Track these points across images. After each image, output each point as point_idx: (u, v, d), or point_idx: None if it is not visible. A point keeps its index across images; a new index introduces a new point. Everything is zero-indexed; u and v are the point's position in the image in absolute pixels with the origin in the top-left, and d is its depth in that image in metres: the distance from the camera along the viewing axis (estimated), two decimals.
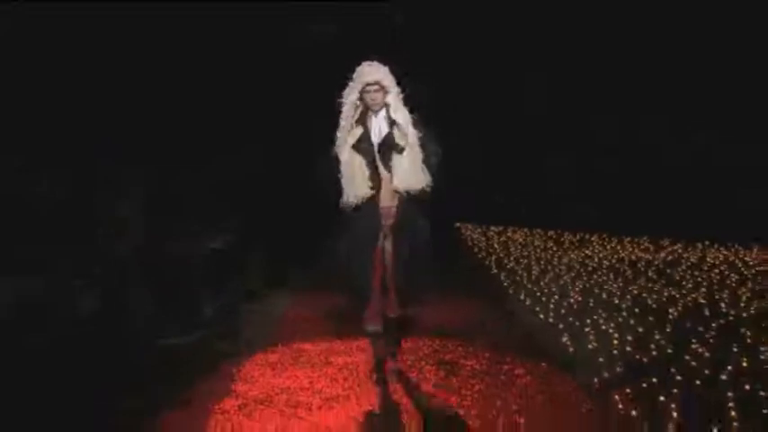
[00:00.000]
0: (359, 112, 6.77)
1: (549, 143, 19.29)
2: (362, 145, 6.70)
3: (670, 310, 9.50)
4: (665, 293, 10.57)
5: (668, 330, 8.57)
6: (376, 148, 6.72)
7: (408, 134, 6.59)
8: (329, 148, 6.84)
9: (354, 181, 6.63)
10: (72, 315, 6.08)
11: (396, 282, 6.86)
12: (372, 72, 6.63)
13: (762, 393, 6.53)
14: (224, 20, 15.51)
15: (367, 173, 6.65)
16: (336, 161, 6.73)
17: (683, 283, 11.34)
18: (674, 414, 6.05)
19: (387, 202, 6.75)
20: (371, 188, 6.63)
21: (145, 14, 13.60)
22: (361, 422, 5.96)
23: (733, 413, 6.08)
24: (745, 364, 7.31)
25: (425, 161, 6.68)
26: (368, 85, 6.60)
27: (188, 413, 6.18)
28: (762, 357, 7.52)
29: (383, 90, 6.64)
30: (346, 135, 6.72)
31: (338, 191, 6.71)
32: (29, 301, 6.11)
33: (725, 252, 14.20)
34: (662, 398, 6.44)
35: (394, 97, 6.64)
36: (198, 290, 8.72)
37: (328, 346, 7.90)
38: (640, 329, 8.62)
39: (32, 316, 6.08)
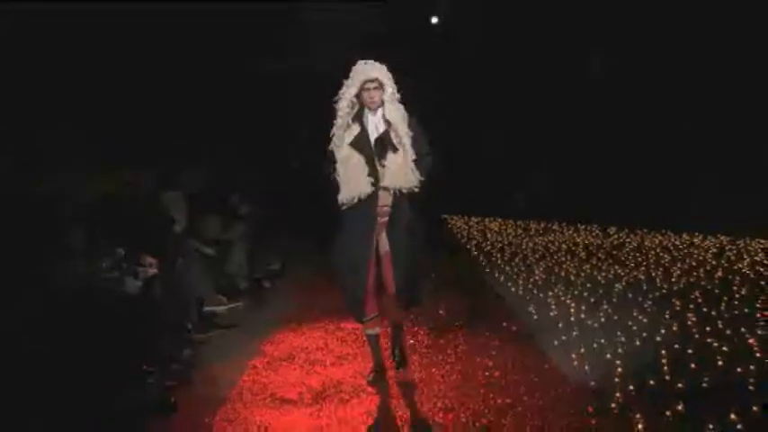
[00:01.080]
0: (355, 109, 5.74)
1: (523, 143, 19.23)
2: (361, 143, 5.67)
3: (616, 285, 9.53)
4: (612, 271, 10.59)
5: (614, 301, 8.60)
6: (373, 146, 5.70)
7: (401, 133, 5.66)
8: (325, 146, 5.84)
9: (353, 179, 5.61)
10: (142, 287, 6.10)
11: (396, 283, 5.82)
12: (371, 70, 5.63)
13: (689, 351, 6.57)
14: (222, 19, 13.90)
15: (366, 171, 5.61)
16: (332, 159, 5.76)
17: (626, 262, 11.36)
18: (619, 369, 6.08)
19: (381, 200, 5.71)
20: (372, 185, 5.60)
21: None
22: (366, 376, 5.99)
23: (665, 368, 6.11)
24: (675, 328, 7.34)
25: (417, 161, 5.71)
26: (366, 82, 5.60)
27: (226, 367, 6.23)
28: (688, 323, 7.55)
29: (382, 88, 5.65)
30: (343, 133, 5.71)
31: (335, 188, 5.71)
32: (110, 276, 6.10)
33: (659, 237, 14.22)
34: (608, 356, 6.48)
35: (389, 96, 5.67)
36: (234, 268, 8.73)
37: (339, 315, 7.90)
38: (592, 300, 8.65)
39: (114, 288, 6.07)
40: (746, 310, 8.08)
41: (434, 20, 20.11)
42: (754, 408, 5.17)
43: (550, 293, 9.07)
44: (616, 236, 14.71)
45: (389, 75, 5.70)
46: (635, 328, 7.39)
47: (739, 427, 4.89)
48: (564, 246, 13.38)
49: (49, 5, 9.60)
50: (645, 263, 11.30)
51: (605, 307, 8.28)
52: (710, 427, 4.86)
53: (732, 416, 5.03)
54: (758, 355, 6.48)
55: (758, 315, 7.86)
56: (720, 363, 6.29)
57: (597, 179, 17.58)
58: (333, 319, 7.82)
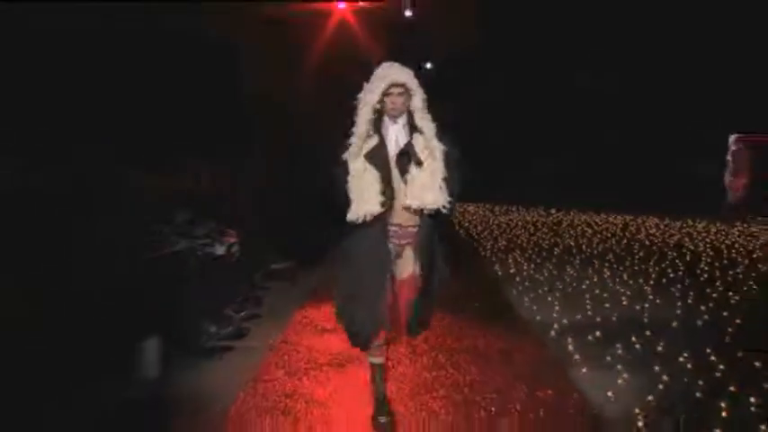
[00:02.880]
0: (374, 117, 3.73)
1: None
2: (377, 155, 3.68)
3: (555, 250, 9.55)
4: (552, 240, 10.61)
5: (554, 261, 8.63)
6: (393, 159, 3.70)
7: (433, 146, 3.67)
8: (338, 155, 3.74)
9: (365, 194, 3.62)
10: (225, 250, 6.12)
11: (415, 308, 3.86)
12: (398, 73, 3.67)
13: (604, 295, 6.62)
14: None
15: (378, 188, 3.62)
16: (345, 169, 3.68)
17: (562, 234, 11.38)
18: (557, 307, 6.14)
19: (402, 219, 3.73)
20: (382, 204, 3.62)
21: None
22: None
23: (588, 306, 6.18)
24: (594, 279, 7.39)
25: (448, 178, 3.67)
26: (392, 86, 3.64)
27: (284, 306, 6.26)
28: (604, 276, 7.60)
29: (407, 94, 3.68)
30: (362, 142, 3.69)
31: (347, 202, 3.65)
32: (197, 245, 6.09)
33: (585, 216, 14.22)
34: (549, 299, 6.53)
35: (420, 103, 3.72)
36: (289, 236, 8.67)
37: None
38: (538, 261, 8.69)
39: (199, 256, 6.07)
40: (643, 267, 8.15)
41: (428, 65, 17.64)
42: (648, 332, 5.24)
43: (510, 256, 9.10)
44: (555, 215, 14.72)
45: (417, 81, 3.74)
46: (568, 280, 7.45)
47: (637, 346, 4.96)
48: (519, 222, 13.39)
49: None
50: (575, 234, 11.32)
51: (548, 265, 8.32)
52: (618, 346, 4.92)
53: (633, 338, 5.09)
54: (650, 297, 6.56)
55: (650, 270, 7.91)
56: (625, 302, 6.37)
57: (544, 174, 17.61)
58: None
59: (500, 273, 7.99)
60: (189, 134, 8.36)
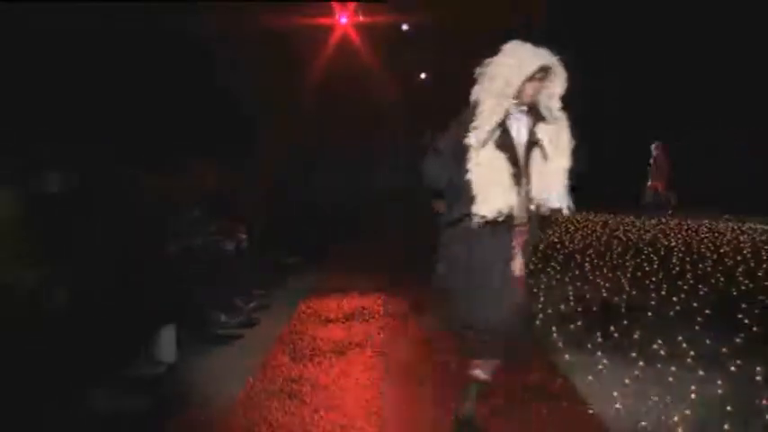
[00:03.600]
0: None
1: None
2: (506, 143, 3.01)
3: (540, 245, 9.57)
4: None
5: (539, 255, 8.64)
6: (522, 151, 3.05)
7: (563, 139, 3.06)
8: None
9: (497, 187, 2.95)
10: (235, 246, 6.12)
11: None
12: (546, 55, 2.93)
13: (585, 287, 6.65)
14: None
15: (513, 179, 2.99)
16: (464, 155, 2.98)
17: (547, 231, 11.40)
18: (541, 298, 6.16)
19: (520, 216, 3.13)
20: (518, 195, 3.04)
21: None
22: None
23: (570, 296, 6.20)
24: (576, 272, 7.41)
25: (572, 174, 3.13)
26: (540, 70, 2.91)
27: (291, 299, 6.28)
28: (585, 269, 7.62)
29: (545, 80, 2.97)
30: (492, 126, 2.94)
31: (462, 192, 3.01)
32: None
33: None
34: (535, 290, 6.54)
35: (561, 88, 3.02)
36: (298, 234, 8.63)
37: (361, 270, 7.91)
38: None
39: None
40: (620, 261, 8.16)
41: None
42: (625, 322, 5.27)
43: None
44: None
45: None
46: (551, 272, 7.44)
47: (615, 335, 4.99)
48: None
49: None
50: (558, 231, 11.35)
51: (533, 260, 8.30)
52: (597, 334, 4.95)
53: (611, 327, 5.12)
54: (627, 288, 6.58)
55: (627, 264, 7.94)
56: (605, 294, 6.38)
57: None
58: (357, 272, 7.85)
59: None
60: (195, 136, 8.35)
